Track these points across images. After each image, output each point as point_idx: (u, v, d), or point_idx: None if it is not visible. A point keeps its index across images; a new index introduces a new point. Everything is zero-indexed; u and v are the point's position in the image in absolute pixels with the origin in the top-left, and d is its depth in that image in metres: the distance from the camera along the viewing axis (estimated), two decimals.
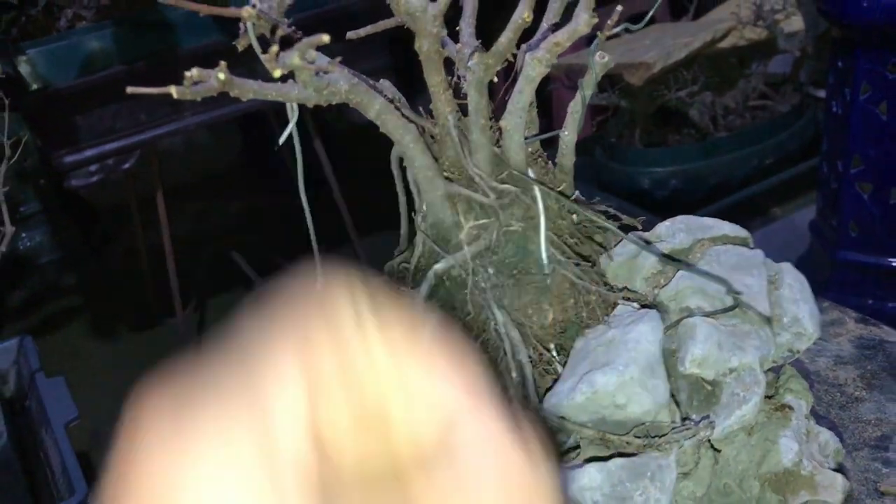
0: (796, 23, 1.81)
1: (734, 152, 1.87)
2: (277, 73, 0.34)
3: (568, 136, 0.47)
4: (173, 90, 0.35)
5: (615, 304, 0.45)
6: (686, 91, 1.82)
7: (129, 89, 0.35)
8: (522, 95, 0.43)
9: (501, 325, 0.41)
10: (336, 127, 2.97)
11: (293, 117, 0.42)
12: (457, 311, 0.43)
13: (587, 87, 0.45)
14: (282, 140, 0.41)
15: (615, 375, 0.40)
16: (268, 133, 2.64)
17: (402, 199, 0.47)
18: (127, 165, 1.73)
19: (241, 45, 0.42)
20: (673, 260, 0.46)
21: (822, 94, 1.98)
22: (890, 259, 1.54)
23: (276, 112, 2.28)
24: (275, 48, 0.34)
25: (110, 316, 2.34)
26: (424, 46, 0.41)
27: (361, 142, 2.97)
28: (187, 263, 2.00)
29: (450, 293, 0.43)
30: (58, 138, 1.67)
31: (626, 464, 0.39)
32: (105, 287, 2.48)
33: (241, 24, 0.42)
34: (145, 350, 2.19)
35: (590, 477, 0.39)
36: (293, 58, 0.33)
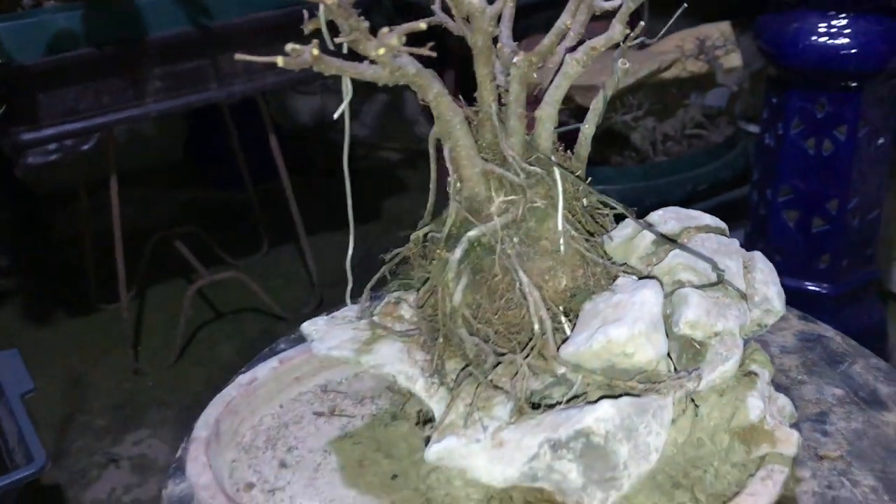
0: (734, 59, 1.94)
1: (671, 176, 1.98)
2: (381, 52, 0.40)
3: (588, 129, 0.55)
4: (280, 60, 0.40)
5: (616, 276, 0.53)
6: (631, 115, 1.94)
7: (238, 56, 0.41)
8: (559, 90, 0.51)
9: (525, 285, 0.48)
10: (283, 127, 3.00)
11: (347, 95, 0.48)
12: (484, 272, 0.49)
13: (609, 88, 0.52)
14: (337, 115, 0.47)
15: (626, 328, 0.47)
16: (215, 125, 2.65)
17: (433, 176, 0.53)
18: (85, 147, 1.74)
19: (308, 28, 0.47)
20: (669, 241, 0.54)
21: (752, 128, 2.13)
22: (807, 283, 1.67)
23: (233, 105, 2.30)
24: (385, 29, 0.40)
25: (47, 300, 2.32)
26: (479, 42, 0.48)
27: (308, 143, 3.01)
28: (130, 251, 2.00)
29: (479, 257, 0.50)
30: (17, 115, 1.66)
31: (633, 402, 0.47)
32: (43, 270, 2.45)
33: (305, 10, 0.48)
34: (82, 336, 2.18)
35: (604, 410, 0.46)
36: (393, 39, 0.39)
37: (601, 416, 0.46)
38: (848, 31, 1.44)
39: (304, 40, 0.49)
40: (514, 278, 0.48)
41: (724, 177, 2.03)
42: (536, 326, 0.47)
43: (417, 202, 2.62)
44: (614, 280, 0.52)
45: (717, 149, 2.04)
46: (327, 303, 2.14)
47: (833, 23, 1.45)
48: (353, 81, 0.48)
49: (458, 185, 0.51)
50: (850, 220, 1.60)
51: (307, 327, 0.58)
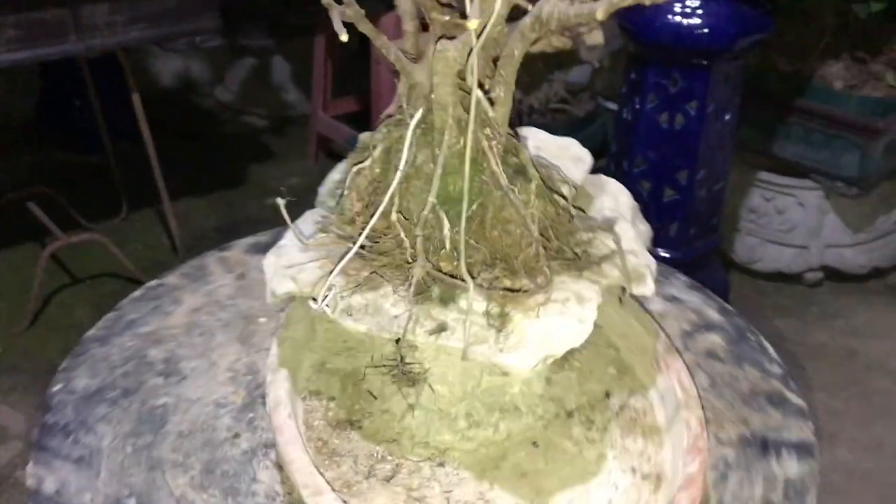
0: (597, 37, 2.04)
1: None
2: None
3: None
4: None
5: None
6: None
7: None
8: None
9: None
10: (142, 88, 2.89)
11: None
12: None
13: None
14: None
15: None
16: (70, 83, 2.53)
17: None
18: None
19: None
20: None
21: (611, 104, 2.23)
22: (659, 249, 1.78)
23: (93, 60, 2.21)
24: None
25: None
26: None
27: (169, 105, 2.92)
28: None
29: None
30: None
31: None
32: None
33: None
34: None
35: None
36: None
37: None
38: (700, 11, 1.54)
39: None
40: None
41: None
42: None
43: (284, 169, 2.59)
44: None
45: (579, 122, 2.14)
46: None
47: (687, 3, 1.54)
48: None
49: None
50: (698, 191, 1.72)
51: None
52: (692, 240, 1.77)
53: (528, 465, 0.67)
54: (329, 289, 0.61)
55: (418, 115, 0.61)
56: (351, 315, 0.61)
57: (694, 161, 1.69)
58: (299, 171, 2.58)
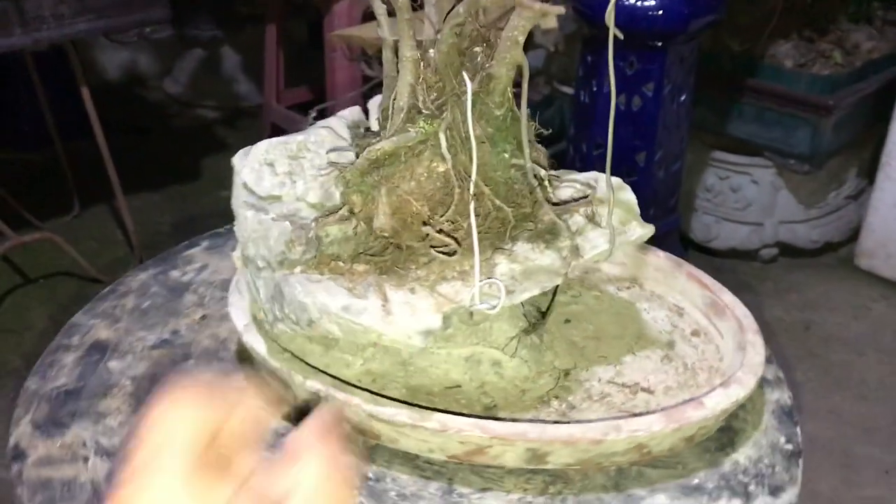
0: (551, 21, 2.04)
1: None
2: None
3: None
4: None
5: None
6: None
7: None
8: None
9: None
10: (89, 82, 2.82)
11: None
12: None
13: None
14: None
15: None
16: (13, 78, 2.46)
17: None
18: None
19: None
20: None
21: (566, 88, 2.24)
22: None
23: (36, 54, 2.15)
24: None
25: None
26: None
27: (114, 99, 2.85)
28: None
29: None
30: None
31: None
32: None
33: None
34: None
35: None
36: None
37: None
38: None
39: None
40: None
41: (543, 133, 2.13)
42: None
43: None
44: None
45: (535, 107, 2.14)
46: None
47: None
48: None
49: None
50: (657, 172, 1.74)
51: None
52: (652, 220, 1.74)
53: None
54: (490, 286, 0.63)
55: (469, 92, 0.63)
56: (514, 291, 0.63)
57: (652, 142, 1.71)
58: None
